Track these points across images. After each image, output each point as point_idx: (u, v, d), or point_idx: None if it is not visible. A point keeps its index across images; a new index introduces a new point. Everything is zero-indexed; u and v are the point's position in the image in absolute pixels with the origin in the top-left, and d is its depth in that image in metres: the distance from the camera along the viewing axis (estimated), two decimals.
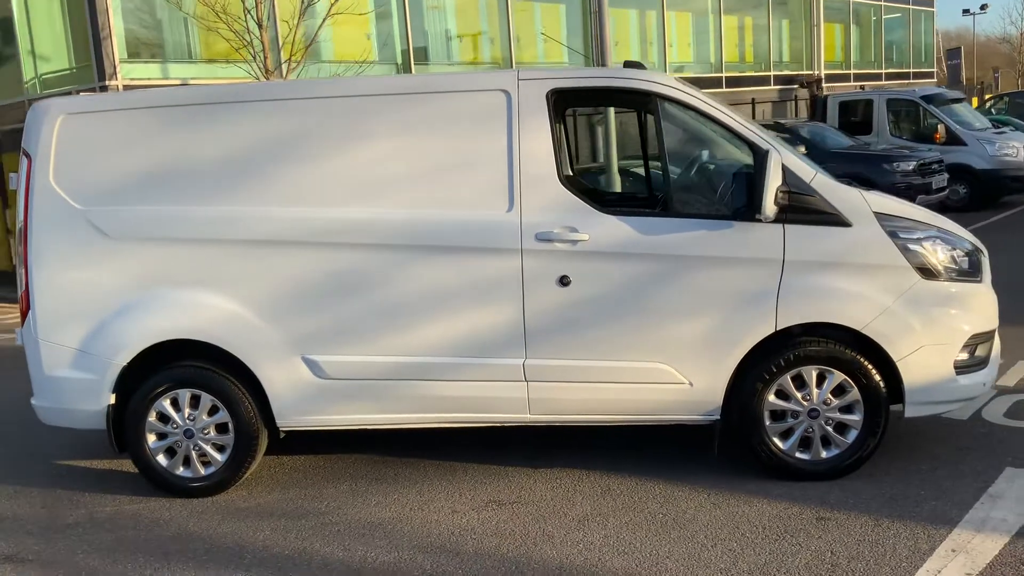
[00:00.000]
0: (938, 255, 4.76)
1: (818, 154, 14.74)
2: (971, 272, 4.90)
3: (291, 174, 4.90)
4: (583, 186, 5.09)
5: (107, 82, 13.77)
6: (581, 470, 5.16)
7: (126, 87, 13.84)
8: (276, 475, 5.39)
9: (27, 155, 5.07)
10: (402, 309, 4.89)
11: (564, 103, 4.99)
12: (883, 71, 32.27)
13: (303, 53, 12.89)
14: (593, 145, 17.82)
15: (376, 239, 4.86)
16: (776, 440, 4.83)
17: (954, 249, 4.85)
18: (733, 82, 25.61)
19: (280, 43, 13.93)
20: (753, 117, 24.60)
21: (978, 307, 4.89)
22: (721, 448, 5.00)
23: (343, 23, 16.88)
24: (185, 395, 5.06)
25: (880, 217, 4.74)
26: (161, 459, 5.11)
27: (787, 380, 4.77)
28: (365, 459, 5.54)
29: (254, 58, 12.15)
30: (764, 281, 4.71)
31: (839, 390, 4.78)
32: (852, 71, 30.74)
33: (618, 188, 5.60)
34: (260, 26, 11.98)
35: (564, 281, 4.77)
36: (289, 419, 5.05)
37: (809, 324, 4.74)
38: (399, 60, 18.10)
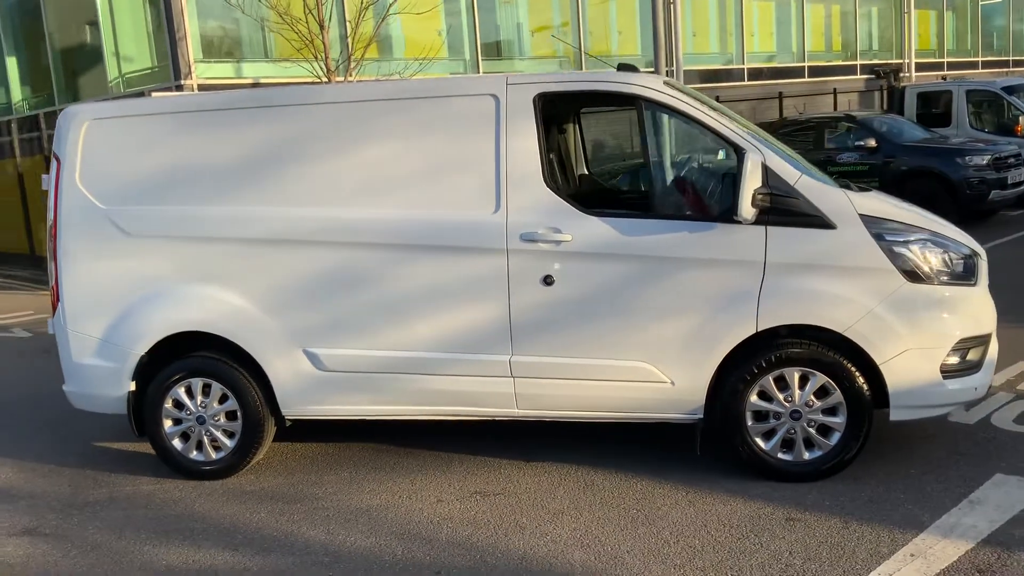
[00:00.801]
0: (927, 258, 4.72)
1: (890, 148, 14.43)
2: (964, 276, 4.83)
3: (292, 176, 5.16)
4: (569, 187, 5.19)
5: (182, 81, 14.41)
6: (570, 464, 5.29)
7: (200, 86, 14.45)
8: (286, 461, 5.68)
9: (57, 157, 5.46)
10: (396, 305, 5.09)
11: (552, 107, 5.10)
12: (979, 59, 31.03)
13: (362, 52, 13.23)
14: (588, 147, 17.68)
15: (371, 238, 5.08)
16: (758, 440, 4.87)
17: (946, 252, 4.79)
18: (816, 72, 25.06)
19: (350, 42, 14.32)
20: (835, 108, 24.08)
21: (970, 311, 4.82)
22: (707, 447, 5.06)
23: (414, 19, 17.23)
24: (198, 384, 5.38)
25: (866, 219, 4.72)
26: (176, 443, 5.45)
27: (769, 381, 4.80)
28: (371, 448, 5.78)
29: (316, 57, 12.54)
30: (746, 282, 4.75)
31: (822, 392, 4.78)
32: (946, 59, 29.67)
33: (607, 189, 5.68)
34: (322, 26, 12.35)
35: (548, 280, 4.90)
36: (293, 408, 5.32)
37: (794, 326, 4.76)
38: (467, 56, 18.35)
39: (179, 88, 14.41)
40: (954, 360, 4.78)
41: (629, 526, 4.46)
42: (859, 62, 26.49)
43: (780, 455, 4.87)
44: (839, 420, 4.78)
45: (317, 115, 5.19)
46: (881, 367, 4.69)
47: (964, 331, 4.78)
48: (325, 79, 12.59)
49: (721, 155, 4.99)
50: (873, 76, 24.44)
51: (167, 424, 5.44)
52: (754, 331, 4.75)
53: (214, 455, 5.42)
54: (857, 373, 4.72)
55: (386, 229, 5.06)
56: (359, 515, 4.80)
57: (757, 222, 4.73)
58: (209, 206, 5.25)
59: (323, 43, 12.44)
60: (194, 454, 5.44)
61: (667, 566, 4.04)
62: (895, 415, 4.78)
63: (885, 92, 23.52)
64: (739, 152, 4.67)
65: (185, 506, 5.08)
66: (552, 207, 4.91)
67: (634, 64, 5.44)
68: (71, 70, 17.38)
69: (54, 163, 5.48)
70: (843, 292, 4.69)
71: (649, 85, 4.91)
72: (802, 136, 15.73)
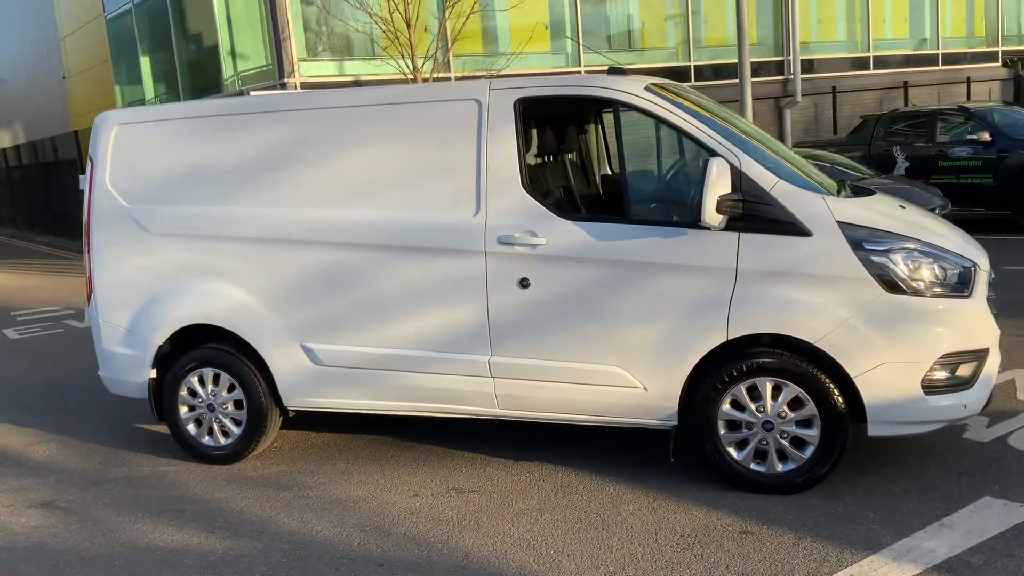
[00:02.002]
0: (911, 268, 4.52)
1: (1005, 142, 13.61)
2: (957, 288, 4.60)
3: (291, 178, 5.40)
4: (546, 191, 5.20)
5: (286, 79, 15.05)
6: (553, 465, 5.33)
7: (303, 84, 15.06)
8: (294, 449, 5.95)
9: (91, 159, 5.90)
10: (384, 304, 5.26)
11: (533, 111, 5.14)
12: None
13: (447, 49, 13.45)
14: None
15: (361, 239, 5.26)
16: (731, 450, 4.79)
17: (936, 263, 4.58)
18: (950, 59, 23.74)
19: (448, 39, 14.61)
20: (968, 97, 22.77)
21: (960, 324, 4.58)
22: (686, 455, 5.01)
23: (518, 12, 17.39)
24: (209, 373, 5.72)
25: (844, 227, 4.55)
26: (191, 428, 5.81)
27: (741, 391, 4.71)
28: (376, 440, 5.99)
29: (403, 55, 12.86)
30: (717, 290, 4.68)
31: (797, 404, 4.66)
32: None
33: (586, 194, 5.63)
34: (408, 24, 12.65)
35: (524, 283, 4.96)
36: (293, 400, 5.58)
37: (766, 335, 4.66)
38: (568, 49, 18.35)
39: (283, 86, 15.06)
40: (941, 375, 4.56)
41: (582, 530, 4.49)
42: (1000, 48, 24.91)
43: (752, 466, 4.77)
44: (813, 433, 4.65)
45: (314, 120, 5.40)
46: (855, 380, 4.53)
47: (952, 345, 4.55)
48: (411, 76, 12.90)
49: (699, 160, 4.91)
50: (1000, 64, 22.97)
51: (182, 410, 5.80)
52: (724, 339, 4.67)
53: (223, 441, 5.75)
54: (832, 385, 4.58)
55: (374, 230, 5.23)
56: (336, 506, 5.00)
57: (730, 228, 4.64)
58: (217, 206, 5.56)
59: (410, 41, 12.74)
60: (206, 439, 5.78)
61: (599, 571, 4.06)
62: (873, 430, 4.60)
63: (1013, 82, 22.11)
64: (712, 157, 4.60)
65: (187, 488, 5.42)
66: (529, 210, 4.96)
67: (623, 67, 5.40)
68: (194, 68, 18.40)
69: (89, 164, 5.92)
70: (816, 302, 4.55)
71: (626, 89, 4.88)
72: (914, 129, 15.03)
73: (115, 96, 21.68)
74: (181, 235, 5.66)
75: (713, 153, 4.67)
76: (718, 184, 4.50)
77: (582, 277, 4.89)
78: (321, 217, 5.33)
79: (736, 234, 4.64)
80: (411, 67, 12.80)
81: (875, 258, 4.51)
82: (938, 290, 4.56)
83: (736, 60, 20.63)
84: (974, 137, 13.96)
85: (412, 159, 5.19)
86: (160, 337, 5.74)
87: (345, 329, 5.37)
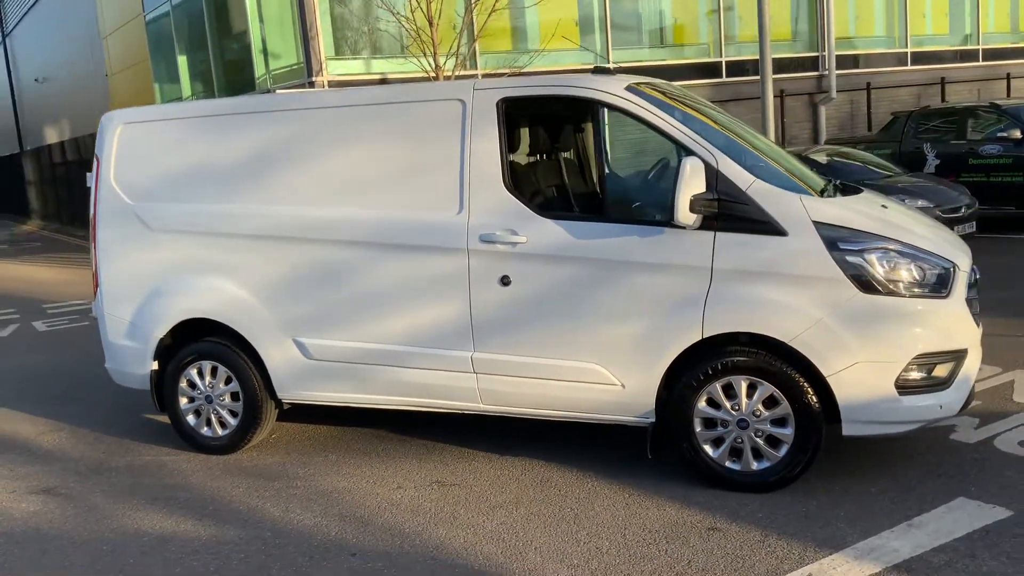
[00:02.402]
0: (886, 268, 4.52)
1: None
2: (935, 288, 4.59)
3: (283, 176, 5.53)
4: (528, 190, 5.26)
5: (314, 78, 15.25)
6: (537, 460, 5.41)
7: (330, 83, 15.26)
8: (290, 440, 6.10)
9: (97, 158, 6.08)
10: (372, 300, 5.37)
11: (516, 111, 5.21)
12: None
13: (470, 47, 13.52)
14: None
15: (349, 236, 5.38)
16: (707, 447, 4.83)
17: (913, 263, 4.57)
18: (991, 55, 23.29)
19: (476, 33, 14.68)
20: (1008, 95, 22.35)
21: (937, 325, 4.57)
22: (665, 452, 5.06)
23: (547, 8, 17.44)
24: (207, 366, 5.88)
25: (820, 227, 4.57)
26: (190, 419, 5.98)
27: (717, 388, 4.75)
28: (371, 433, 6.11)
29: (425, 53, 12.97)
30: (693, 288, 4.72)
31: (772, 402, 4.69)
32: None
33: (568, 193, 5.68)
34: (431, 22, 12.75)
35: (505, 281, 5.04)
36: (287, 393, 5.72)
37: (742, 334, 4.69)
38: (597, 46, 18.36)
39: (311, 85, 15.27)
40: (916, 376, 4.56)
41: (554, 524, 4.56)
42: None
43: (728, 464, 4.81)
44: (788, 432, 4.67)
45: (305, 119, 5.53)
46: (829, 379, 4.54)
47: (928, 346, 4.55)
48: (434, 75, 13.01)
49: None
50: None
51: (182, 401, 5.97)
52: (699, 338, 4.71)
53: (220, 432, 5.91)
54: (806, 385, 4.60)
55: (362, 228, 5.34)
56: (321, 496, 5.13)
57: (706, 227, 4.68)
58: (214, 203, 5.72)
59: (432, 39, 12.85)
60: (204, 430, 5.95)
61: (563, 564, 4.13)
62: (847, 430, 4.62)
63: None
64: (686, 156, 4.64)
65: (183, 477, 5.58)
66: (510, 209, 5.04)
67: (609, 67, 5.44)
68: (228, 67, 18.72)
69: (95, 162, 6.11)
70: (790, 301, 4.57)
71: (606, 89, 4.93)
72: (945, 126, 14.84)
73: (155, 93, 22.13)
74: (181, 232, 5.82)
75: (690, 152, 4.71)
76: (691, 183, 4.54)
77: (561, 275, 4.95)
78: (311, 215, 5.46)
79: (712, 233, 4.68)
80: (433, 65, 12.91)
81: (850, 258, 4.52)
82: (915, 290, 4.55)
83: (771, 56, 20.57)
84: (1005, 135, 13.74)
85: (399, 158, 5.30)
86: (161, 330, 5.91)
87: (334, 324, 5.49)
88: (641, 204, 5.03)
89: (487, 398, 5.24)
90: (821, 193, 4.99)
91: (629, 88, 4.98)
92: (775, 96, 19.08)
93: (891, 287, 4.52)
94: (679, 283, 4.74)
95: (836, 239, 4.55)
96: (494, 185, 5.07)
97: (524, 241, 4.98)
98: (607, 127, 5.05)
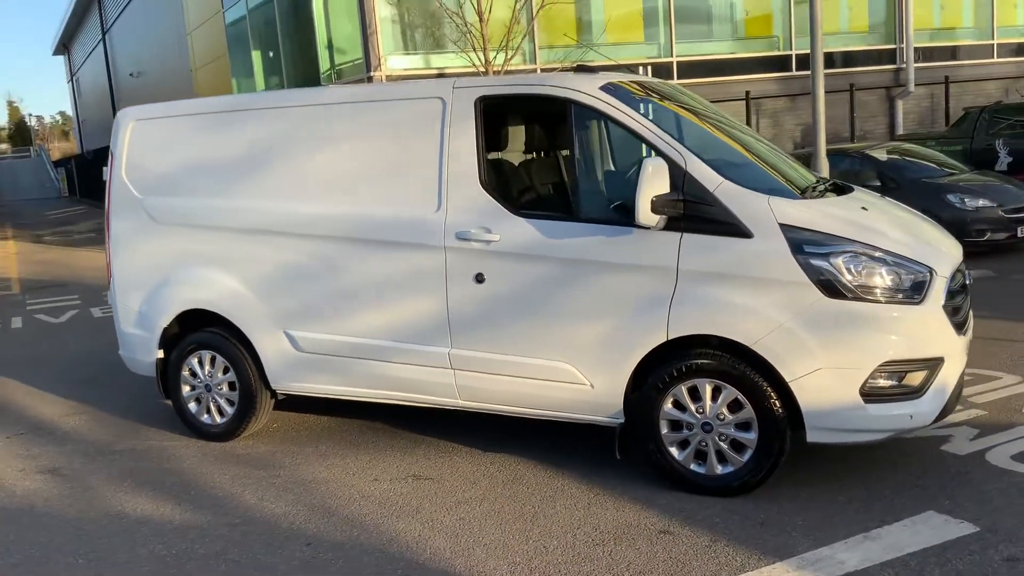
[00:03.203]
0: (852, 272, 4.39)
1: None
2: (907, 293, 4.45)
3: (273, 172, 5.68)
4: (503, 188, 5.26)
5: (372, 73, 15.50)
6: (516, 457, 5.44)
7: (388, 77, 15.49)
8: (287, 430, 6.25)
9: (112, 153, 6.34)
10: (356, 295, 5.47)
11: (494, 109, 5.22)
12: None
13: (504, 43, 13.53)
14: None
15: (335, 231, 5.48)
16: (673, 450, 4.78)
17: (883, 267, 4.43)
18: None
19: (528, 26, 14.71)
20: None
21: (908, 331, 4.43)
22: (638, 453, 5.03)
23: (613, 2, 17.33)
24: (207, 356, 6.08)
25: (786, 229, 4.47)
26: (192, 406, 6.19)
27: (682, 391, 4.70)
28: (364, 425, 6.23)
29: (474, 48, 13.06)
30: (659, 290, 4.67)
31: (736, 406, 4.62)
32: None
33: (542, 191, 5.63)
34: (481, 18, 12.83)
35: (479, 278, 5.07)
36: (279, 383, 5.87)
37: (707, 336, 4.63)
38: (661, 40, 18.15)
39: (369, 79, 15.53)
40: (885, 383, 4.43)
41: (511, 521, 4.58)
42: None
43: (693, 467, 4.75)
44: (751, 436, 4.59)
45: (295, 116, 5.66)
46: (791, 384, 4.45)
47: (897, 353, 4.41)
48: (483, 69, 13.09)
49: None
50: None
51: (184, 389, 6.19)
52: (665, 339, 4.67)
53: (218, 419, 6.10)
54: (769, 389, 4.51)
55: (346, 223, 5.44)
56: (299, 486, 5.25)
57: (672, 228, 4.63)
58: (211, 198, 5.90)
59: (481, 34, 12.92)
60: (204, 417, 6.15)
61: (504, 562, 4.16)
62: (811, 436, 4.51)
63: None
64: (649, 157, 4.60)
65: (178, 462, 5.79)
66: (485, 207, 5.07)
67: (592, 66, 5.42)
68: (296, 62, 19.16)
69: (110, 158, 6.37)
70: (754, 304, 4.49)
71: (579, 88, 4.91)
72: (1017, 122, 14.23)
73: (232, 87, 22.79)
74: (183, 225, 6.03)
75: (658, 152, 4.67)
76: (653, 184, 4.49)
77: (532, 274, 4.96)
78: (300, 210, 5.58)
79: (678, 234, 4.63)
80: (483, 60, 12.98)
81: (815, 261, 4.41)
82: (884, 296, 4.42)
83: (845, 48, 20.02)
84: None
85: (383, 155, 5.38)
86: (165, 320, 6.13)
87: (321, 318, 5.61)
88: (611, 204, 4.99)
89: (464, 394, 5.29)
90: (803, 193, 4.88)
91: (604, 87, 4.94)
92: (845, 90, 18.64)
93: (858, 292, 4.39)
94: (645, 284, 4.70)
95: (802, 242, 4.45)
96: (470, 183, 5.10)
97: (497, 239, 5.00)
98: (577, 126, 5.01)
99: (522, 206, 5.08)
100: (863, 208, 4.86)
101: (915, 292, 4.46)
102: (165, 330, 6.17)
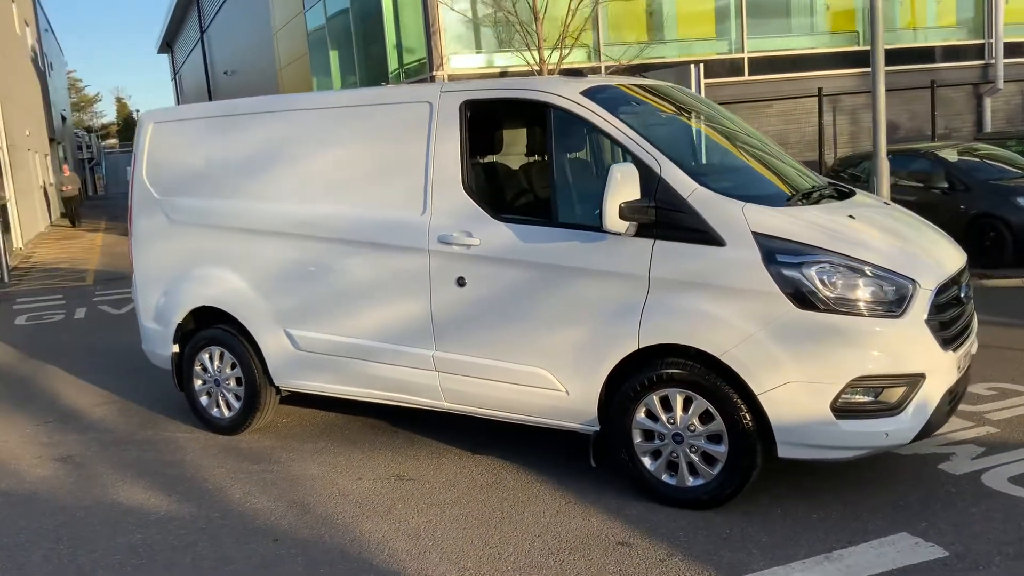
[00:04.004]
0: (826, 283, 4.25)
1: None
2: (886, 306, 4.28)
3: (273, 174, 5.80)
4: (485, 192, 5.23)
5: (435, 72, 15.64)
6: (502, 461, 5.43)
7: (450, 76, 15.60)
8: (293, 426, 6.38)
9: (134, 154, 6.58)
10: (348, 296, 5.55)
11: (479, 114, 5.20)
12: None
13: (559, 42, 13.46)
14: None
15: (330, 233, 5.57)
16: (646, 460, 4.71)
17: (860, 279, 4.27)
18: None
19: (598, 25, 14.63)
20: None
21: (885, 345, 4.25)
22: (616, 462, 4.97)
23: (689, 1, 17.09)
24: (216, 351, 6.25)
25: (759, 237, 4.35)
26: (203, 400, 6.38)
27: (654, 400, 4.62)
28: (366, 423, 6.31)
29: (528, 47, 13.04)
30: (631, 297, 4.61)
31: (708, 418, 4.52)
32: None
33: (523, 196, 5.55)
34: (536, 18, 12.80)
35: (461, 282, 5.09)
36: (281, 380, 6.00)
37: (676, 346, 4.54)
38: (732, 35, 17.80)
39: (432, 79, 15.67)
40: (860, 399, 4.27)
41: (476, 526, 4.58)
42: None
43: (664, 477, 4.68)
44: (721, 449, 4.49)
45: (295, 120, 5.77)
46: (760, 397, 4.33)
47: (873, 368, 4.24)
48: (537, 68, 13.07)
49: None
50: None
51: (196, 383, 6.38)
52: (636, 347, 4.60)
53: (226, 413, 6.27)
54: (740, 401, 4.40)
55: (340, 225, 5.52)
56: (286, 482, 5.36)
57: (645, 235, 4.56)
58: (219, 199, 6.07)
59: (536, 33, 12.90)
60: (214, 411, 6.33)
61: (455, 567, 4.16)
62: (782, 452, 4.38)
63: None
64: (617, 163, 4.53)
65: (183, 455, 5.97)
66: (467, 211, 5.08)
67: (581, 69, 5.36)
68: (368, 61, 19.47)
69: (133, 159, 6.61)
70: (724, 314, 4.39)
71: (559, 93, 4.87)
72: None
73: (312, 85, 23.32)
74: (195, 224, 6.21)
75: (633, 157, 4.60)
76: (621, 190, 4.43)
77: (510, 278, 4.95)
78: (297, 212, 5.69)
79: (651, 241, 4.55)
80: (537, 58, 12.96)
81: (787, 271, 4.28)
82: (859, 308, 4.25)
83: (931, 43, 19.28)
84: None
85: (374, 158, 5.44)
86: (179, 316, 6.33)
87: (317, 318, 5.71)
88: (587, 209, 4.94)
89: (449, 396, 5.31)
90: (788, 199, 4.75)
91: (586, 91, 4.89)
92: (926, 87, 17.93)
93: (831, 303, 4.24)
94: (618, 291, 4.64)
95: (774, 251, 4.32)
96: (454, 187, 5.12)
97: (477, 243, 5.00)
98: (557, 131, 4.97)
99: (503, 210, 5.06)
100: (850, 216, 4.68)
101: (894, 305, 4.29)
102: (179, 325, 6.37)
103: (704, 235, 4.44)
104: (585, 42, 15.45)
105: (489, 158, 5.27)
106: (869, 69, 18.62)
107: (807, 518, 4.44)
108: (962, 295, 4.72)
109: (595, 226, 4.71)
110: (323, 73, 22.77)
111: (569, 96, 4.85)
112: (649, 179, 4.54)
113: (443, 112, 5.17)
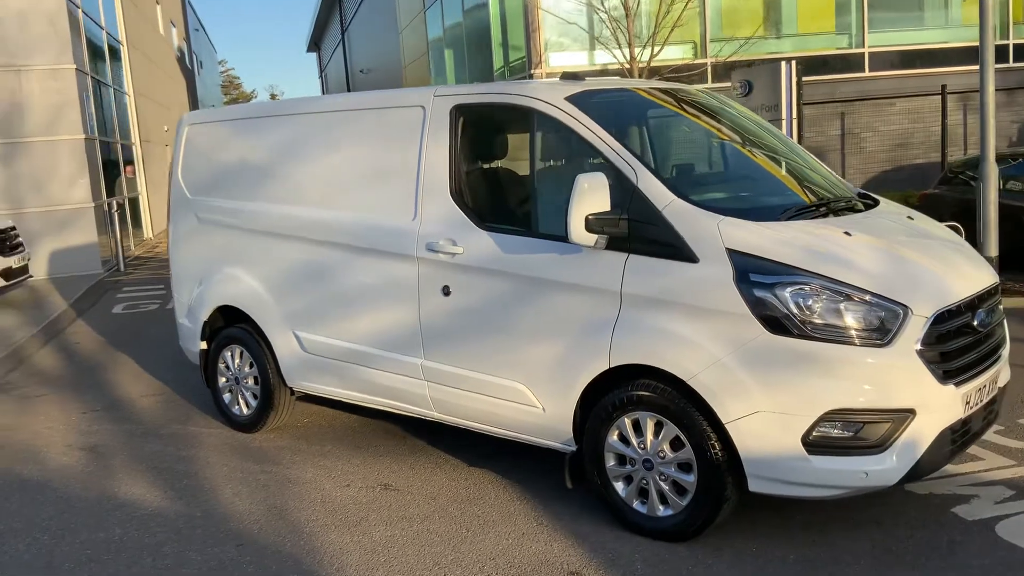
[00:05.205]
0: (801, 307, 3.90)
1: None
2: (870, 335, 3.89)
3: (284, 176, 5.83)
4: (471, 200, 5.03)
5: (533, 70, 15.52)
6: (492, 475, 5.28)
7: (548, 74, 15.45)
8: (310, 427, 6.41)
9: (172, 155, 6.77)
10: (348, 300, 5.51)
11: (470, 118, 5.03)
12: None
13: (653, 39, 13.06)
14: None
15: (331, 237, 5.55)
16: (618, 485, 4.47)
17: (842, 303, 3.90)
18: None
19: (676, 20, 14.16)
20: None
21: (867, 377, 3.86)
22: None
23: None
24: (236, 350, 6.36)
25: (733, 255, 4.04)
26: (226, 397, 6.50)
27: (625, 423, 4.37)
28: (378, 427, 6.28)
29: (619, 45, 12.73)
30: (604, 313, 4.37)
31: (679, 445, 4.24)
32: None
33: (507, 205, 5.28)
34: (628, 14, 12.49)
35: (446, 291, 4.97)
36: (293, 382, 6.04)
37: (645, 367, 4.28)
38: (853, 30, 16.90)
39: (531, 76, 15.56)
40: (835, 433, 3.90)
41: (435, 544, 4.45)
42: None
43: (635, 505, 4.42)
44: (691, 479, 4.20)
45: (304, 123, 5.78)
46: (727, 426, 4.02)
47: (849, 401, 3.86)
48: (628, 67, 12.76)
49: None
50: None
51: (220, 380, 6.51)
52: (607, 367, 4.36)
53: (245, 411, 6.37)
54: (709, 429, 4.10)
55: (340, 230, 5.49)
56: (277, 485, 5.37)
57: (619, 248, 4.32)
58: (238, 200, 6.15)
59: (627, 30, 12.59)
60: (235, 408, 6.44)
61: None
62: (753, 485, 4.06)
63: None
64: (583, 173, 4.29)
65: (197, 450, 6.09)
66: (453, 218, 4.95)
67: (579, 73, 5.12)
68: (476, 60, 19.54)
69: (171, 160, 6.79)
70: (694, 336, 4.09)
71: (543, 98, 4.66)
72: None
73: (431, 82, 23.63)
74: (219, 224, 6.33)
75: (609, 166, 4.36)
76: (587, 201, 4.20)
77: (491, 289, 4.79)
78: (303, 215, 5.70)
79: (624, 255, 4.30)
80: (628, 56, 12.65)
81: (759, 292, 3.96)
82: (838, 335, 3.88)
83: None
84: None
85: (371, 162, 5.38)
86: (205, 313, 6.47)
87: (322, 321, 5.70)
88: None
89: (437, 407, 5.20)
90: (785, 211, 4.40)
91: (572, 96, 4.67)
92: None
93: (806, 329, 3.89)
94: (592, 307, 4.41)
95: (748, 270, 3.99)
96: (442, 193, 5.00)
97: (461, 252, 4.87)
98: (541, 137, 4.78)
99: (488, 219, 4.89)
100: (846, 233, 4.28)
101: (879, 333, 3.89)
102: (206, 323, 6.50)
103: (677, 250, 4.15)
104: (687, 38, 15.00)
105: (478, 164, 5.12)
106: (1005, 65, 17.49)
107: (782, 560, 4.10)
108: (978, 322, 4.24)
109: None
110: (438, 72, 23.04)
111: (551, 101, 4.65)
112: (624, 189, 4.30)
113: (435, 116, 5.06)
